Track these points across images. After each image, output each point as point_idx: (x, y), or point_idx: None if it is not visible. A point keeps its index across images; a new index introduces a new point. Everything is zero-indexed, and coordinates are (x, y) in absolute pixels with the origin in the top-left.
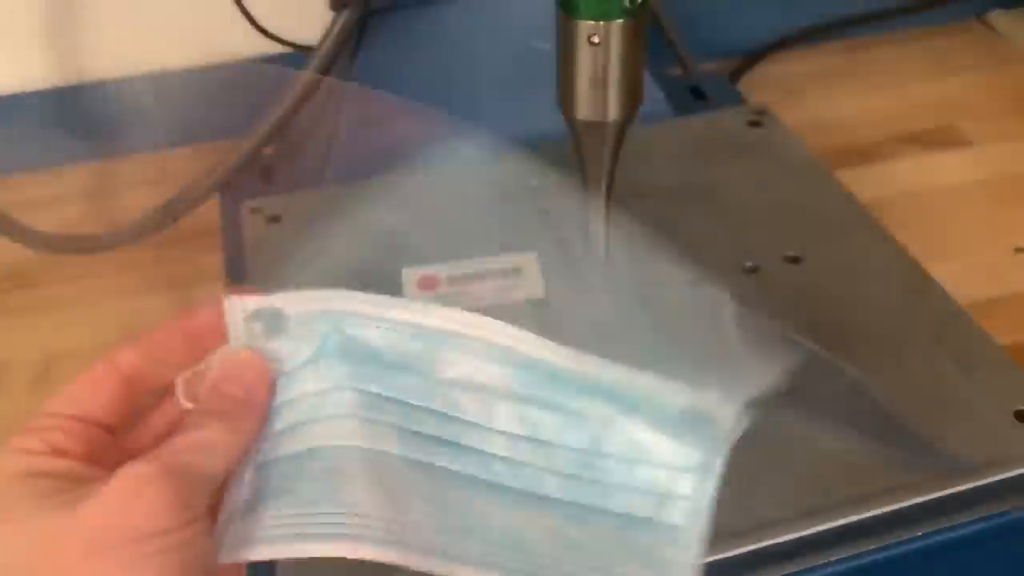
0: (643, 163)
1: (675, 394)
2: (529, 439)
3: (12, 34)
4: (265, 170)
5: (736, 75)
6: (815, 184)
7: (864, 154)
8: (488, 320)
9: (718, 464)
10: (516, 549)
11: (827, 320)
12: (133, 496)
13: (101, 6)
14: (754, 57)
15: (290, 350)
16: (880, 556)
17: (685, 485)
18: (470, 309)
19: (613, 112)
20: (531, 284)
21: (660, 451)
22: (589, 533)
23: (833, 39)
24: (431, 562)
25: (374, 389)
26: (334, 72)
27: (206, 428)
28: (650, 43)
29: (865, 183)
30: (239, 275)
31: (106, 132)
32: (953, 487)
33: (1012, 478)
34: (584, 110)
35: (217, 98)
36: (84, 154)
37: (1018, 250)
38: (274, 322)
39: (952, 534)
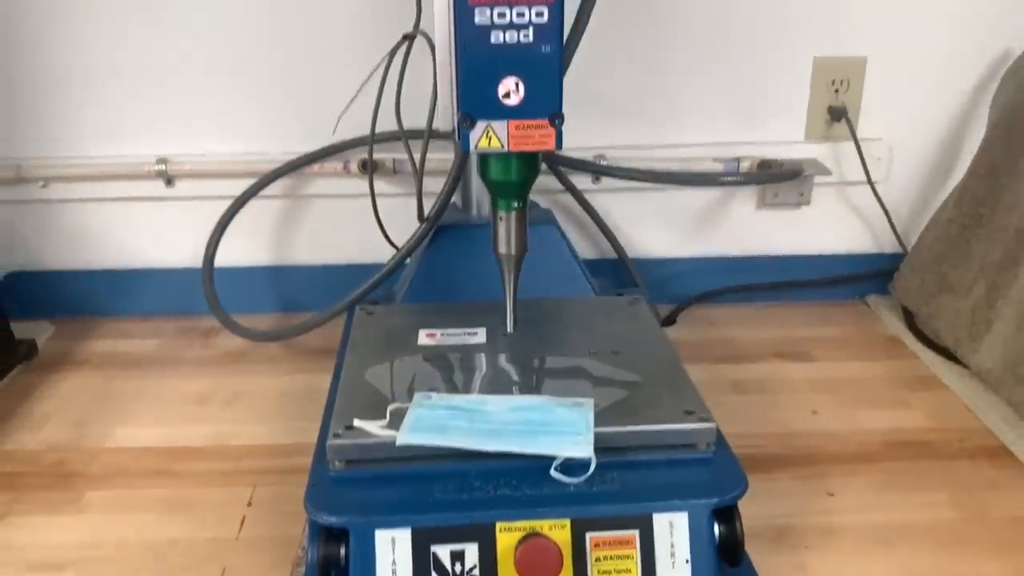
0: (563, 307)
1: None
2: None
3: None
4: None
5: (678, 311)
6: (648, 329)
7: (739, 358)
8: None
9: (589, 419)
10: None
11: (623, 366)
12: None
13: (305, 230)
14: (692, 301)
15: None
16: None
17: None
18: (453, 346)
19: (512, 250)
20: (480, 338)
21: (563, 413)
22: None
23: (752, 299)
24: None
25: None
26: (414, 255)
27: None
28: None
29: (731, 371)
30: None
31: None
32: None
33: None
34: (500, 248)
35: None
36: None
37: (814, 412)
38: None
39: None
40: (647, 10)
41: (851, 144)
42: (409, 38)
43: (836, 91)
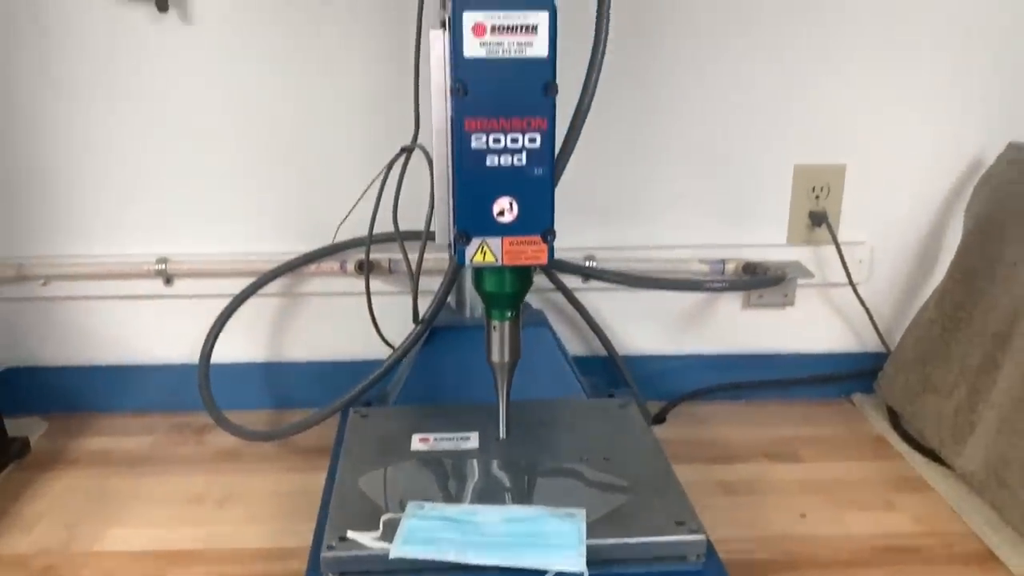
0: (555, 410)
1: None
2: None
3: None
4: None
5: (668, 408)
6: (639, 433)
7: (729, 458)
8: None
9: (581, 530)
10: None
11: (614, 473)
12: None
13: (304, 328)
14: (681, 399)
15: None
16: None
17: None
18: (449, 451)
19: (504, 357)
20: (473, 443)
21: (555, 524)
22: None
23: (740, 397)
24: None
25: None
26: (408, 357)
27: None
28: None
29: (721, 472)
30: (339, 444)
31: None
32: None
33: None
34: (493, 357)
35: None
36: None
37: (803, 515)
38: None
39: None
40: (634, 117)
41: (833, 247)
42: (407, 150)
43: (817, 197)
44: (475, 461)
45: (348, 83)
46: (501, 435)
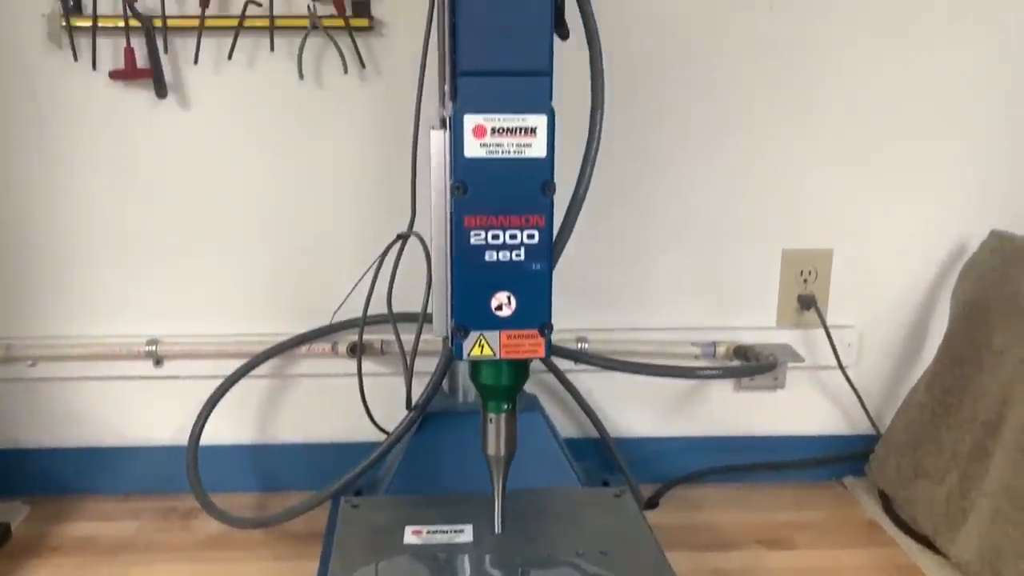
0: (550, 500)
1: None
2: None
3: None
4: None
5: (661, 492)
6: (634, 525)
7: (723, 545)
8: None
9: None
10: None
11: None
12: None
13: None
14: (674, 482)
15: None
16: None
17: None
18: (443, 545)
19: (501, 452)
20: (467, 536)
21: None
22: None
23: (732, 480)
24: None
25: None
26: (401, 443)
27: None
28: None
29: (715, 560)
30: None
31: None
32: None
33: None
34: (489, 450)
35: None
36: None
37: None
38: None
39: None
40: (627, 203)
41: (822, 330)
42: (403, 237)
43: (805, 281)
44: (469, 556)
45: (344, 168)
46: (496, 529)
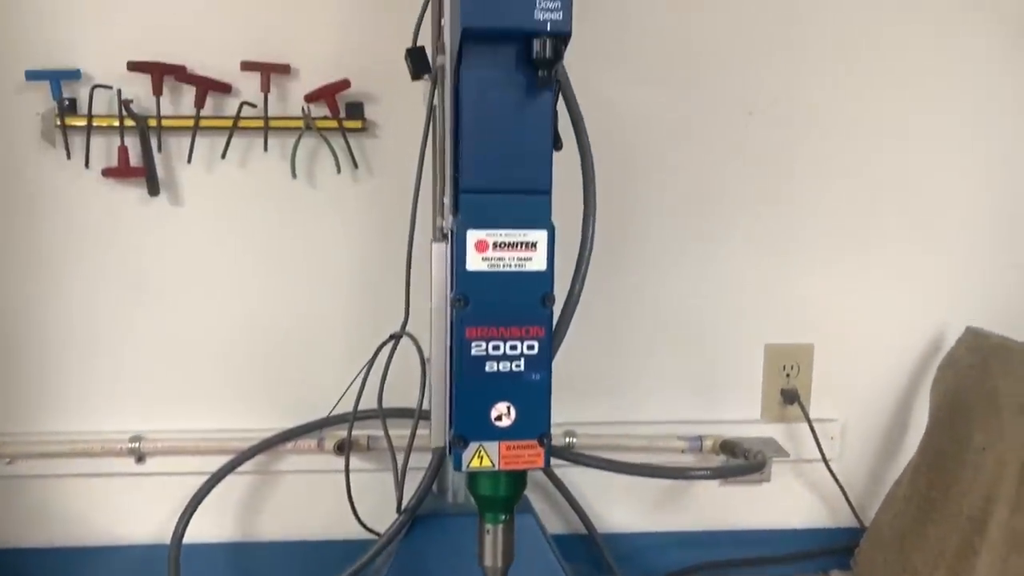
0: None
1: None
2: None
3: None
4: None
5: None
6: None
7: None
8: None
9: None
10: None
11: None
12: None
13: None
14: None
15: None
16: None
17: None
18: None
19: (498, 563)
20: None
21: None
22: None
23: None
24: None
25: None
26: (393, 543)
27: None
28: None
29: None
30: None
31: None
32: None
33: None
34: (486, 561)
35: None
36: None
37: None
38: None
39: None
40: (614, 299)
41: (805, 424)
42: (396, 337)
43: (787, 375)
44: None
45: (333, 265)
46: None
